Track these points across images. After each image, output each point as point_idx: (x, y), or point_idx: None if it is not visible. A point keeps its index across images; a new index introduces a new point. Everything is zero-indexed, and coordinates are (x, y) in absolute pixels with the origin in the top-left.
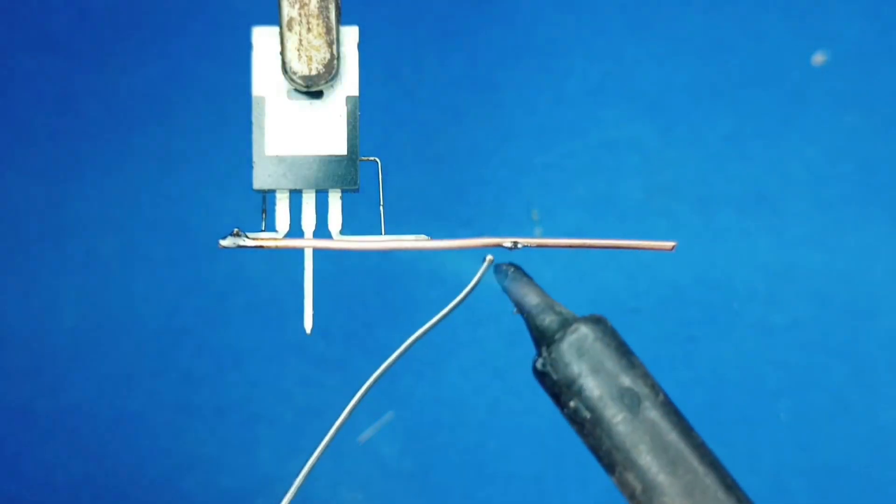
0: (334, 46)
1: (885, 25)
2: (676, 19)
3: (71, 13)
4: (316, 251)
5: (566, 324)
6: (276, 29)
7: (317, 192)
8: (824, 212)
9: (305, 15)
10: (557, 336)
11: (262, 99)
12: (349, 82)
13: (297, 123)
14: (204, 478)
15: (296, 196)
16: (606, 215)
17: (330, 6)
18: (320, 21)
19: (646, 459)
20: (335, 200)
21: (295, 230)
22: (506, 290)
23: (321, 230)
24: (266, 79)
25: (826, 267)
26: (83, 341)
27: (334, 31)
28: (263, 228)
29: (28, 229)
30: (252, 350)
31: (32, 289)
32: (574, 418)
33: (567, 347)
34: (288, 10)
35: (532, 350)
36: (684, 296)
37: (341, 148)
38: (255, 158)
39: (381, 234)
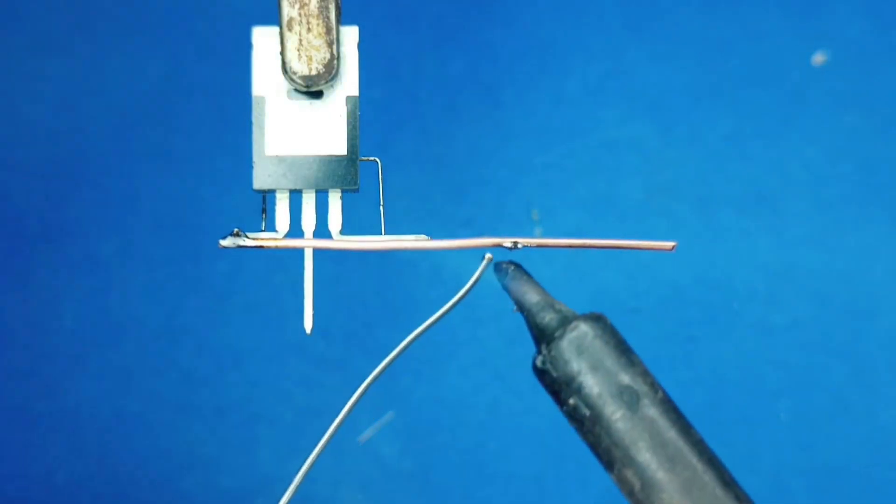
0: (334, 46)
1: (885, 25)
2: (676, 19)
3: (71, 13)
4: (316, 251)
5: (566, 321)
6: (276, 29)
7: (317, 192)
8: (824, 212)
9: (305, 15)
10: (557, 334)
11: (262, 99)
12: (349, 82)
13: (297, 123)
14: (204, 478)
15: (296, 196)
16: (606, 215)
17: (330, 6)
18: (320, 21)
19: (645, 456)
20: (335, 200)
21: (295, 230)
22: (506, 289)
23: (321, 230)
24: (266, 79)
25: (826, 267)
26: (83, 341)
27: (334, 31)
28: (263, 228)
29: (28, 229)
30: (252, 350)
31: (32, 289)
32: (573, 416)
33: (567, 345)
34: (288, 10)
35: (532, 349)
36: (684, 296)
37: (341, 148)
38: (255, 158)
39: (381, 234)
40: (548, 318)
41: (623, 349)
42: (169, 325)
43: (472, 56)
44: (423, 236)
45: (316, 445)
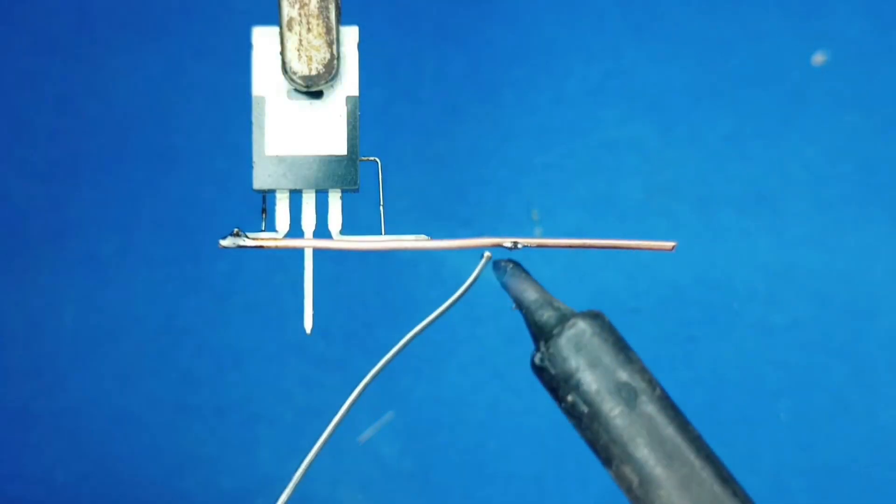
0: (334, 46)
1: (885, 25)
2: (676, 19)
3: (71, 13)
4: (316, 251)
5: (564, 319)
6: (276, 29)
7: (317, 192)
8: (824, 212)
9: (305, 15)
10: (555, 331)
11: (262, 99)
12: (349, 82)
13: (297, 123)
14: (204, 478)
15: (296, 196)
16: (606, 215)
17: (330, 6)
18: (320, 21)
19: (643, 453)
20: (335, 200)
21: (295, 230)
22: (504, 286)
23: (321, 230)
24: (266, 79)
25: (826, 267)
26: (83, 341)
27: (334, 31)
28: (263, 228)
29: (28, 229)
30: (252, 350)
31: (32, 289)
32: (572, 412)
33: (565, 342)
34: (288, 10)
35: (531, 347)
36: (684, 296)
37: (341, 148)
38: (255, 158)
39: (381, 234)
40: (546, 315)
41: (621, 346)
42: (169, 325)
43: (472, 56)
44: (423, 236)
45: (316, 445)
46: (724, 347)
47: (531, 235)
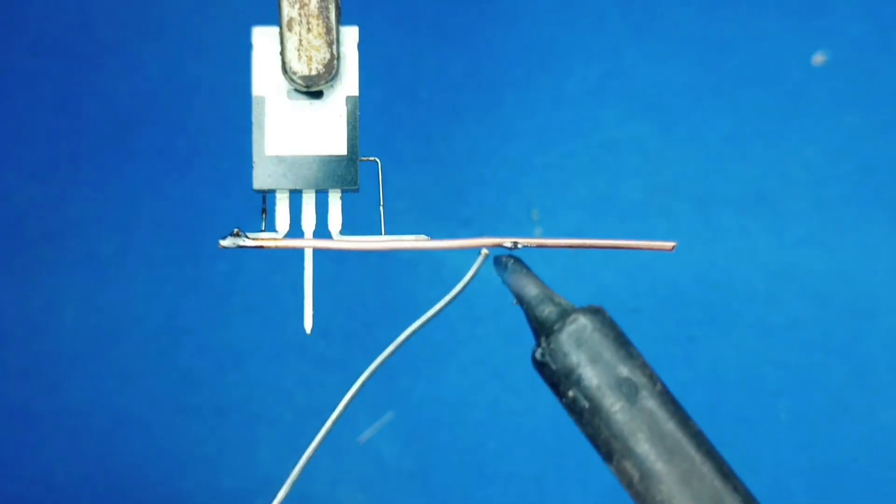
0: (334, 46)
1: (885, 25)
2: (676, 19)
3: (71, 14)
4: (316, 251)
5: (565, 314)
6: (276, 29)
7: (317, 192)
8: (824, 212)
9: (305, 15)
10: (556, 326)
11: (262, 99)
12: (349, 82)
13: (297, 123)
14: (204, 478)
15: (296, 196)
16: (606, 215)
17: (330, 6)
18: (320, 21)
19: (643, 448)
20: (335, 200)
21: (295, 230)
22: (505, 282)
23: (321, 230)
24: (266, 79)
25: (826, 267)
26: (83, 341)
27: (334, 31)
28: (263, 228)
29: (28, 229)
30: (252, 350)
31: (32, 289)
32: (573, 408)
33: (566, 338)
34: (288, 10)
35: (531, 348)
36: (684, 296)
37: (341, 148)
38: (255, 158)
39: (381, 234)
40: (547, 311)
41: (622, 342)
42: (169, 325)
43: (472, 56)
44: (423, 236)
45: (314, 442)
46: (724, 347)
47: (531, 235)
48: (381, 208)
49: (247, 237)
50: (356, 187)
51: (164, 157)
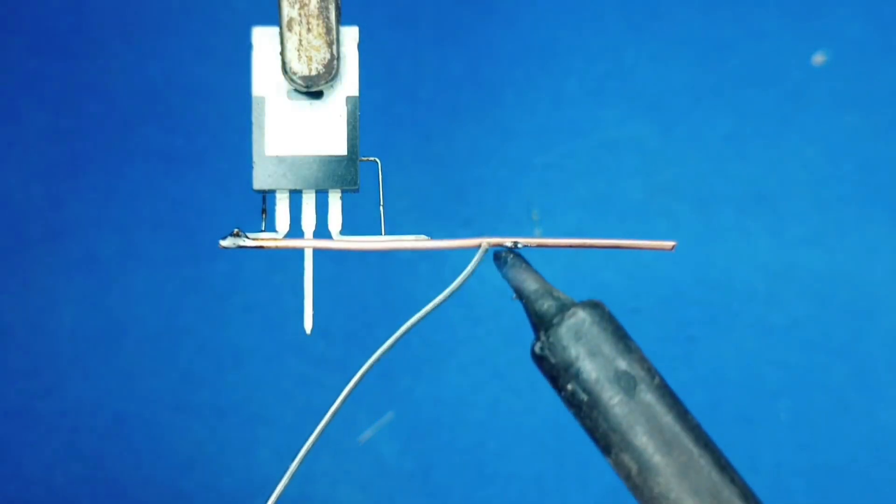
0: (334, 46)
1: (885, 25)
2: (676, 19)
3: (71, 13)
4: (316, 251)
5: (564, 308)
6: (276, 29)
7: (317, 192)
8: (824, 212)
9: (305, 15)
10: (555, 320)
11: (262, 99)
12: (349, 82)
13: (297, 123)
14: (204, 478)
15: (296, 196)
16: (606, 215)
17: (330, 6)
18: (320, 21)
19: (641, 441)
20: (335, 200)
21: (295, 230)
22: (505, 277)
23: (321, 230)
24: (266, 79)
25: (826, 267)
26: (83, 341)
27: (334, 31)
28: (263, 228)
29: (28, 229)
30: (252, 350)
31: (32, 289)
32: (571, 401)
33: (565, 331)
34: (288, 10)
35: (531, 348)
36: (684, 296)
37: (341, 148)
38: (255, 158)
39: (381, 234)
40: (546, 305)
41: (620, 335)
42: (169, 325)
43: (472, 56)
44: (423, 236)
45: (314, 444)
46: (724, 347)
47: (531, 235)
48: (381, 208)
49: (247, 237)
50: (356, 187)
51: (164, 157)
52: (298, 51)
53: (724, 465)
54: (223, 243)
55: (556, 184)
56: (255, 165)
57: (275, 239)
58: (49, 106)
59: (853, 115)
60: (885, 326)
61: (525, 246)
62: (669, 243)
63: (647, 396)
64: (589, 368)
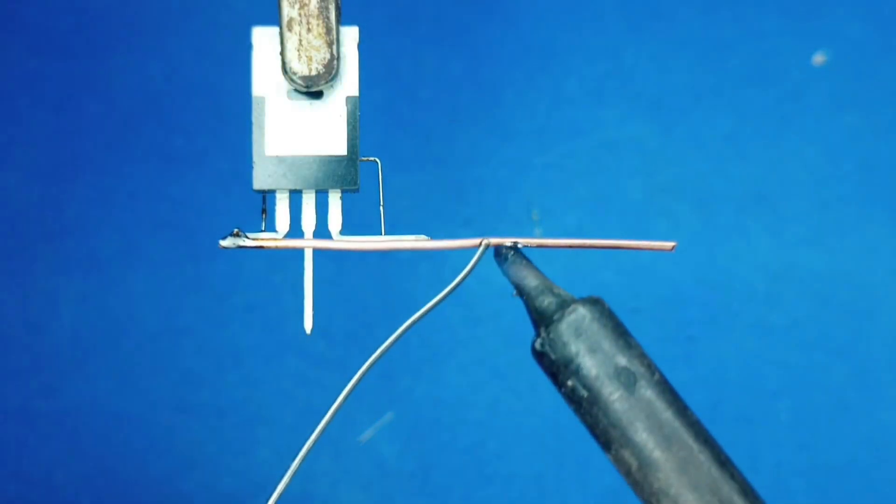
0: (334, 46)
1: (885, 25)
2: (676, 19)
3: (71, 13)
4: (316, 251)
5: (564, 305)
6: (276, 29)
7: (317, 192)
8: (824, 212)
9: (305, 15)
10: (556, 317)
11: (262, 99)
12: (349, 82)
13: (297, 123)
14: (204, 478)
15: (296, 196)
16: (606, 215)
17: (330, 6)
18: (320, 21)
19: (641, 437)
20: (335, 200)
21: (295, 230)
22: (505, 274)
23: (321, 230)
24: (266, 79)
25: (826, 267)
26: (83, 341)
27: (334, 31)
28: (263, 228)
29: (28, 229)
30: (252, 350)
31: (32, 289)
32: (571, 397)
33: (565, 328)
34: (288, 11)
35: (530, 348)
36: (684, 296)
37: (341, 148)
38: (255, 158)
39: (381, 234)
40: (546, 301)
41: (620, 332)
42: (169, 325)
43: (472, 56)
44: (423, 236)
45: (314, 444)
46: (724, 347)
47: (531, 235)
48: (381, 208)
49: (247, 237)
50: (356, 187)
51: (164, 157)
52: (298, 51)
53: (723, 461)
54: (223, 243)
55: (556, 184)
56: (255, 165)
57: (275, 239)
58: (49, 106)
59: (853, 115)
60: (885, 326)
61: (525, 246)
62: (669, 244)
63: (647, 392)
64: (589, 365)
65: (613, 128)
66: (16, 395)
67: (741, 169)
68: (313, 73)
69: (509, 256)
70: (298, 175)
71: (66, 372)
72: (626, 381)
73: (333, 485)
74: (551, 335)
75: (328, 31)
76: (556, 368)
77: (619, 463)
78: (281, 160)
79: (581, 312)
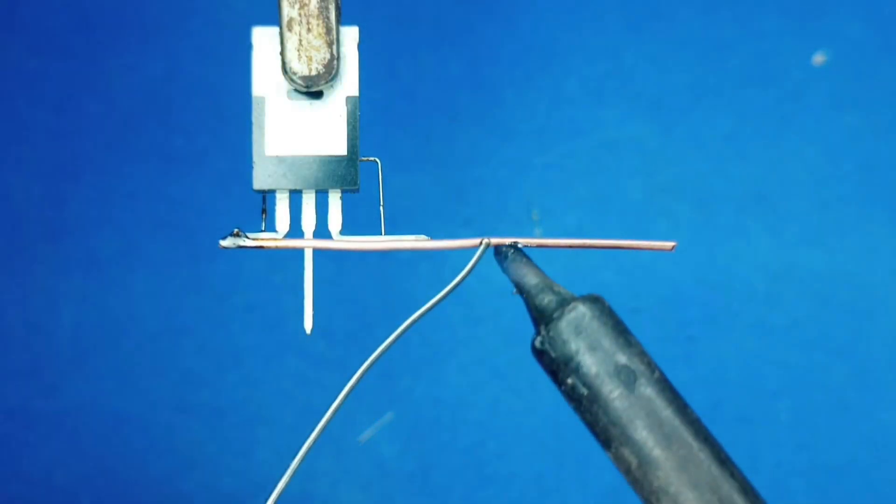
0: (334, 46)
1: (885, 25)
2: (676, 19)
3: (71, 13)
4: (316, 251)
5: (564, 303)
6: (276, 29)
7: (317, 192)
8: (824, 212)
9: (305, 15)
10: (556, 315)
11: (262, 99)
12: (349, 82)
13: (297, 123)
14: (204, 478)
15: (296, 196)
16: (606, 215)
17: (330, 6)
18: (320, 21)
19: (641, 435)
20: (335, 200)
21: (295, 230)
22: (505, 272)
23: (321, 230)
24: (266, 79)
25: (826, 267)
26: (83, 341)
27: (334, 31)
28: (263, 228)
29: (28, 229)
30: (252, 350)
31: (32, 289)
32: (571, 395)
33: (565, 326)
34: (288, 10)
35: (530, 349)
36: (684, 296)
37: (341, 148)
38: (255, 158)
39: (381, 234)
40: (546, 299)
41: (620, 330)
42: (169, 325)
43: (472, 56)
44: (423, 236)
45: (314, 443)
46: (724, 347)
47: (531, 235)
48: (381, 208)
49: (247, 237)
50: (356, 187)
51: (164, 157)
52: (298, 51)
53: (723, 460)
54: (223, 243)
55: (556, 184)
56: (255, 165)
57: (275, 239)
58: (49, 106)
59: (853, 115)
60: (885, 326)
61: (525, 246)
62: (669, 243)
63: (647, 390)
64: (589, 363)
65: (613, 128)
66: (16, 395)
67: (741, 169)
68: (313, 73)
69: (509, 254)
70: (298, 175)
71: (66, 372)
72: (626, 378)
73: (333, 485)
74: (551, 333)
75: (328, 31)
76: (556, 366)
77: (619, 461)
78: (281, 160)
79: (581, 310)
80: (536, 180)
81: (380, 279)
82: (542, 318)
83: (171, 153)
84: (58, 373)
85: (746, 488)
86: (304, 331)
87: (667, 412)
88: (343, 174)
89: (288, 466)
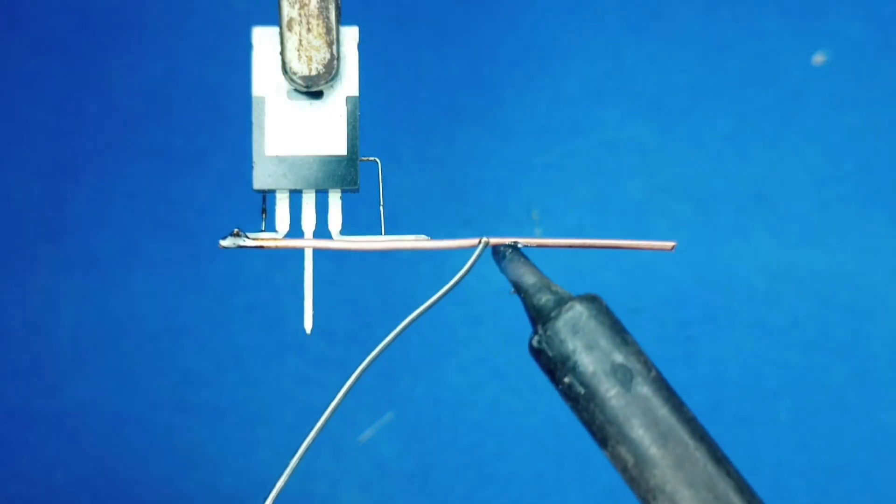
0: (334, 46)
1: (885, 25)
2: (676, 19)
3: (71, 13)
4: (316, 251)
5: (561, 302)
6: (276, 29)
7: (317, 192)
8: (824, 212)
9: (305, 15)
10: (553, 314)
11: (262, 99)
12: (349, 82)
13: (297, 123)
14: (204, 478)
15: (296, 196)
16: (606, 215)
17: (330, 6)
18: (320, 21)
19: (638, 433)
20: (335, 200)
21: (295, 230)
22: (503, 271)
23: (321, 230)
24: (266, 79)
25: (826, 267)
26: (83, 341)
27: (334, 31)
28: (263, 228)
29: (28, 229)
30: (252, 350)
31: (32, 289)
32: (568, 394)
33: (562, 325)
34: (288, 10)
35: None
36: (684, 296)
37: (341, 148)
38: (255, 158)
39: (381, 234)
40: (544, 299)
41: (617, 329)
42: (169, 325)
43: (472, 56)
44: (423, 236)
45: (313, 443)
46: (724, 347)
47: (531, 235)
48: (381, 208)
49: (247, 237)
50: (356, 187)
51: (164, 157)
52: (298, 51)
53: (719, 458)
54: (223, 243)
55: (556, 184)
56: (255, 165)
57: (275, 239)
58: (49, 106)
59: (853, 115)
60: (885, 326)
61: (525, 246)
62: (669, 243)
63: (644, 389)
64: (586, 362)
65: (613, 128)
66: (16, 395)
67: (741, 169)
68: (313, 73)
69: (507, 254)
70: (298, 175)
71: (66, 372)
72: (623, 377)
73: (333, 485)
74: (548, 332)
75: (328, 31)
76: (554, 365)
77: (616, 459)
78: (281, 160)
79: (578, 310)
80: (536, 180)
81: (380, 279)
82: (539, 317)
83: (171, 153)
84: (58, 373)
85: (742, 486)
86: (304, 331)
87: (663, 411)
88: (343, 174)
89: (287, 466)
